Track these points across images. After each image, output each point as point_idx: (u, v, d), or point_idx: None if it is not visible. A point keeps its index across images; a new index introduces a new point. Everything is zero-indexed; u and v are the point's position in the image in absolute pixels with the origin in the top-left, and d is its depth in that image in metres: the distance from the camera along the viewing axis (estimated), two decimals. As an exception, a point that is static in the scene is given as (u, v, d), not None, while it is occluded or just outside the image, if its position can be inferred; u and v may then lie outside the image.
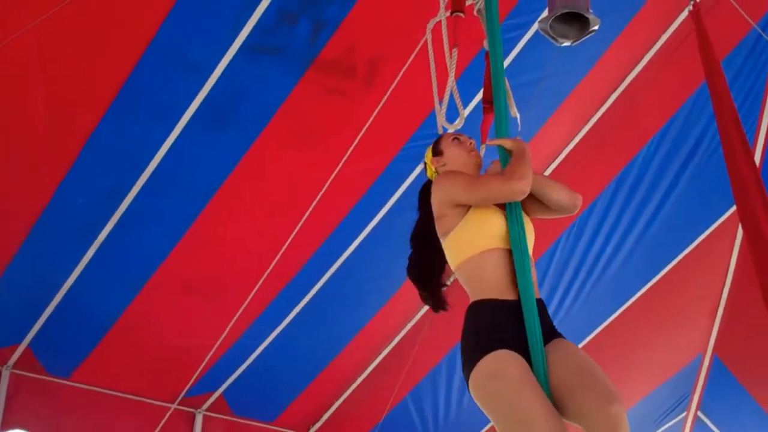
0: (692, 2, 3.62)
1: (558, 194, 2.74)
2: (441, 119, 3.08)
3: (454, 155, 2.81)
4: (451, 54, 3.12)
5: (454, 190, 2.65)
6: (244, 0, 3.82)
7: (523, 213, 2.66)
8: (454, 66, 2.96)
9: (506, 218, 2.62)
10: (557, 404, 2.44)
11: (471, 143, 2.84)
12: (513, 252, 2.57)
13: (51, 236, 4.37)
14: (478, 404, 2.50)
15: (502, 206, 2.66)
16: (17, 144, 4.02)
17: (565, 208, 2.78)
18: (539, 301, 2.59)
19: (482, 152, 2.86)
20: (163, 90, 3.95)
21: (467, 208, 2.66)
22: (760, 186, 3.38)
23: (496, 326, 2.53)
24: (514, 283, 2.56)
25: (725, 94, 3.51)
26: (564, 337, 2.61)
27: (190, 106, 4.02)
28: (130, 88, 3.87)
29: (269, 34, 3.92)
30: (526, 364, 2.47)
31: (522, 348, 2.50)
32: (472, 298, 2.64)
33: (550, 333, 2.58)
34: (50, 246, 4.42)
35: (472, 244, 2.63)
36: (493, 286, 2.59)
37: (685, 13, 4.36)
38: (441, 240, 2.72)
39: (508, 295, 2.58)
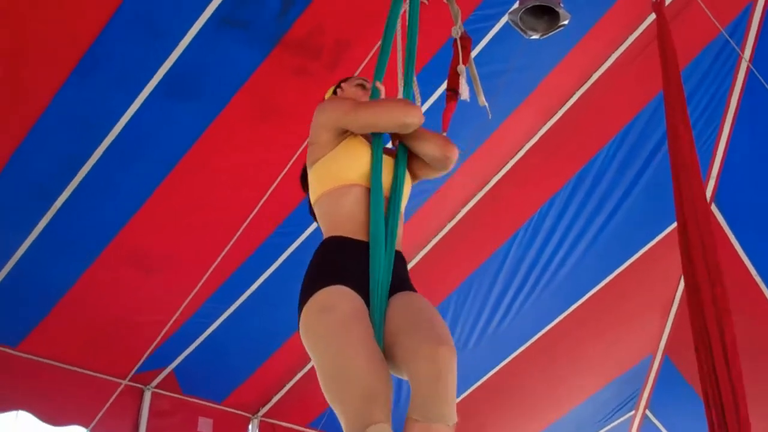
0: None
1: (429, 146, 2.66)
2: None
3: (352, 95, 2.79)
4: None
5: (336, 113, 2.60)
6: (216, -30, 3.79)
7: (398, 161, 2.63)
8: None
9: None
10: (387, 353, 2.31)
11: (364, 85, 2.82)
12: (371, 189, 2.51)
13: (6, 202, 4.29)
14: (304, 342, 2.36)
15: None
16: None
17: (438, 161, 2.68)
18: (398, 254, 2.50)
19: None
20: (129, 57, 3.89)
21: (340, 139, 2.60)
22: (703, 204, 3.33)
23: (341, 264, 2.42)
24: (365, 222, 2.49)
25: (680, 101, 3.49)
26: (415, 291, 2.51)
27: (155, 75, 3.96)
28: (95, 52, 3.80)
29: (239, 6, 3.88)
30: (363, 305, 2.34)
31: (365, 292, 2.38)
32: (325, 234, 2.56)
33: (400, 284, 2.48)
34: (4, 212, 4.34)
35: (335, 176, 2.56)
36: (348, 224, 2.50)
37: (653, 16, 4.40)
38: (308, 171, 2.67)
39: (362, 236, 2.49)
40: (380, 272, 2.41)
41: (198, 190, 4.50)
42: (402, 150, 2.69)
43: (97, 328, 5.01)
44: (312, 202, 2.66)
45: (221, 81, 4.12)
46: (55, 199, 4.35)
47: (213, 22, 3.88)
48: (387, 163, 2.65)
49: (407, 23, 2.89)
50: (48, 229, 4.43)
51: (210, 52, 3.98)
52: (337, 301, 2.32)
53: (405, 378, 2.34)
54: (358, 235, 2.50)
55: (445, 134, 2.79)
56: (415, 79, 3.00)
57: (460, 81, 2.84)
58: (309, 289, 2.38)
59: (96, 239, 4.62)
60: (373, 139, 2.63)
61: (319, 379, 2.28)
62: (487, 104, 2.89)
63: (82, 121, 4.07)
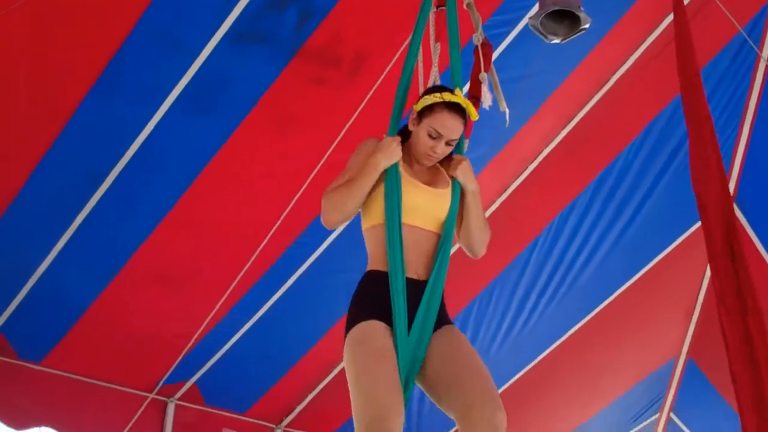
0: None
1: (466, 239, 2.76)
2: None
3: (418, 138, 2.70)
4: (434, 48, 3.11)
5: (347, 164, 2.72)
6: (232, -16, 3.80)
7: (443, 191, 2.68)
8: (437, 60, 2.94)
9: (424, 192, 2.66)
10: (432, 393, 2.55)
11: (442, 149, 2.68)
12: (386, 226, 2.60)
13: (27, 218, 4.30)
14: (345, 365, 2.59)
15: (423, 176, 2.70)
16: (-3, 118, 3.96)
17: (469, 248, 2.79)
18: (435, 283, 2.60)
19: (465, 146, 2.84)
20: (147, 72, 3.91)
21: (382, 177, 2.66)
22: (726, 203, 3.27)
23: (376, 298, 2.58)
24: (409, 260, 2.59)
25: (701, 101, 3.42)
26: (453, 325, 2.66)
27: (174, 90, 3.97)
28: (114, 69, 3.82)
29: (256, 20, 3.89)
30: (391, 342, 2.54)
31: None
32: (368, 267, 2.69)
33: (440, 320, 2.62)
34: (26, 228, 4.35)
35: (375, 213, 2.66)
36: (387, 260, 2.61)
37: (669, 18, 4.38)
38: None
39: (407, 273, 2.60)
40: (400, 305, 2.56)
41: (218, 203, 4.50)
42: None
43: (119, 343, 5.02)
44: (363, 228, 2.75)
45: (240, 94, 4.13)
46: (76, 216, 4.36)
47: (231, 36, 3.89)
48: (437, 197, 2.69)
49: (447, 25, 2.86)
50: (69, 245, 4.45)
51: (228, 65, 3.98)
52: (369, 334, 2.55)
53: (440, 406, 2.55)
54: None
55: (466, 147, 2.80)
56: (438, 81, 2.99)
57: (482, 88, 2.83)
58: (350, 321, 2.63)
59: (118, 254, 4.63)
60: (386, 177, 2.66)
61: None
62: (507, 110, 2.88)
63: (102, 137, 4.08)
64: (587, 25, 3.13)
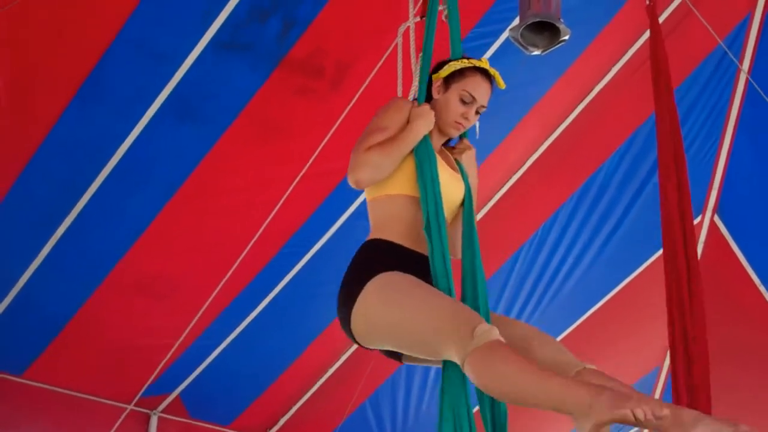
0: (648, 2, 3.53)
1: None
2: None
3: (448, 104, 2.57)
4: (417, 59, 3.11)
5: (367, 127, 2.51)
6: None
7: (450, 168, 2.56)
8: (418, 71, 2.95)
9: (444, 171, 2.51)
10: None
11: (473, 116, 2.57)
12: (424, 200, 2.39)
13: (8, 229, 4.28)
14: (371, 315, 2.24)
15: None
16: (-24, 132, 3.95)
17: (455, 248, 2.55)
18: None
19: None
20: (129, 81, 3.89)
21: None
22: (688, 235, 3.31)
23: (394, 258, 2.33)
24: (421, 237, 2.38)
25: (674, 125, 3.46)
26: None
27: (156, 99, 3.96)
28: (96, 78, 3.80)
29: (239, 29, 3.89)
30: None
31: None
32: (371, 236, 2.46)
33: None
34: (7, 239, 4.34)
35: (394, 182, 2.46)
36: (405, 232, 2.42)
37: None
38: None
39: (417, 247, 2.41)
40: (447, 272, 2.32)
41: (202, 212, 4.49)
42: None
43: (101, 355, 4.98)
44: (373, 196, 2.54)
45: (223, 103, 4.13)
46: (58, 226, 4.34)
47: (214, 45, 3.89)
48: (454, 179, 2.57)
49: (424, 36, 2.81)
50: (51, 255, 4.42)
51: (211, 74, 3.98)
52: (396, 278, 2.26)
53: None
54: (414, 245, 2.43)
55: None
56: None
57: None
58: (358, 284, 2.29)
59: (99, 265, 4.61)
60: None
61: (405, 335, 2.21)
62: (477, 123, 2.87)
63: (84, 146, 4.07)
64: (567, 37, 3.14)
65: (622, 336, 5.95)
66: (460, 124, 2.57)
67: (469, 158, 2.65)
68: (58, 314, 4.73)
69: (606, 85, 4.76)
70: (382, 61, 3.99)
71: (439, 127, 2.60)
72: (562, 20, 3.12)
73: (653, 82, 3.44)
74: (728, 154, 5.17)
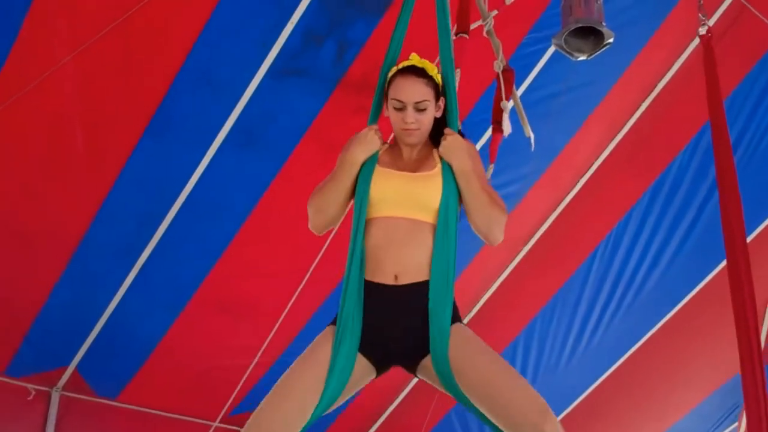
0: (705, 27, 3.42)
1: (471, 222, 2.45)
2: None
3: (390, 116, 2.51)
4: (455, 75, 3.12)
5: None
6: (270, 22, 3.91)
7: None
8: (457, 87, 2.96)
9: (397, 179, 2.46)
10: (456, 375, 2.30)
11: (412, 117, 2.43)
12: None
13: (93, 260, 4.50)
14: None
15: (410, 164, 2.50)
16: (58, 170, 4.15)
17: (480, 234, 2.46)
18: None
19: (490, 172, 2.79)
20: (195, 114, 4.06)
21: None
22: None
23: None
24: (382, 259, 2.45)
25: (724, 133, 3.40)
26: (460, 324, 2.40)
27: (222, 129, 4.11)
28: (162, 114, 3.98)
29: (296, 55, 4.00)
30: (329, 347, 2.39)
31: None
32: None
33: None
34: (92, 269, 4.55)
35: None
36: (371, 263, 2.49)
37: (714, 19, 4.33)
38: None
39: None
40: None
41: (273, 236, 4.61)
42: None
43: (189, 375, 5.16)
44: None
45: (285, 129, 4.24)
46: (139, 255, 4.54)
47: (272, 73, 4.00)
48: (413, 181, 2.46)
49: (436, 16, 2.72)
50: (135, 284, 4.63)
51: (272, 102, 4.10)
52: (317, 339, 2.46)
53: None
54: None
55: (491, 170, 2.77)
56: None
57: (503, 116, 2.84)
58: None
59: (182, 290, 4.79)
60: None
61: None
62: (532, 136, 2.87)
63: (156, 180, 4.25)
64: (611, 40, 3.13)
65: (711, 331, 5.77)
66: (406, 130, 2.46)
67: (447, 148, 2.44)
68: (145, 338, 4.94)
69: (670, 80, 4.67)
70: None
71: (400, 138, 2.52)
72: (604, 24, 3.10)
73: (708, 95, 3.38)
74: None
